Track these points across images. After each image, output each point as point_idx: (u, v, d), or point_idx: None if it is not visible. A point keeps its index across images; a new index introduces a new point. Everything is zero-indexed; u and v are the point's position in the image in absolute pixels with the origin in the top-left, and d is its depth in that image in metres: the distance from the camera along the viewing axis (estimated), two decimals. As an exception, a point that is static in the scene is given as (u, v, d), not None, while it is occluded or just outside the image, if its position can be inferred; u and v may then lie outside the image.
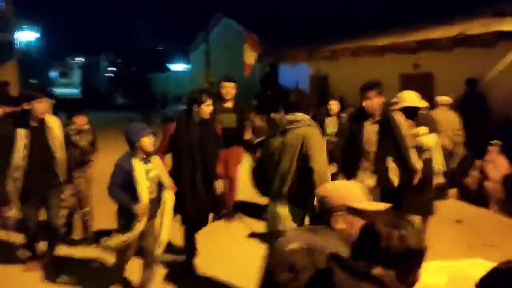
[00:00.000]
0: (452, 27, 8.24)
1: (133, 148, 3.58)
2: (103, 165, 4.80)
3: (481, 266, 2.43)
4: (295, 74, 14.55)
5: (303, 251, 1.67)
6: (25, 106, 4.10)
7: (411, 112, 4.43)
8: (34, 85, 15.57)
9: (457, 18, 8.92)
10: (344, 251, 1.64)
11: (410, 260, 1.41)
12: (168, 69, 32.58)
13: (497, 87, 7.94)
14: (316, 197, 1.93)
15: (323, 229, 1.82)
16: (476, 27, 7.52)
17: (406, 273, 1.41)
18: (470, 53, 7.96)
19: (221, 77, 6.11)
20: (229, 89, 5.81)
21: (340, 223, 1.82)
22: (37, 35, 19.55)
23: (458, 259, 2.57)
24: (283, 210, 3.21)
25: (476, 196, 6.87)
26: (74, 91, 39.91)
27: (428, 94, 8.34)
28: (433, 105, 7.16)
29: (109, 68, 31.03)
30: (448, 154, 7.26)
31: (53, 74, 54.72)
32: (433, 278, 2.18)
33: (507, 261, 1.26)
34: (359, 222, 1.77)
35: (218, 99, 5.54)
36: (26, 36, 18.99)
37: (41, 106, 4.14)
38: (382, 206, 1.91)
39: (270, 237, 3.20)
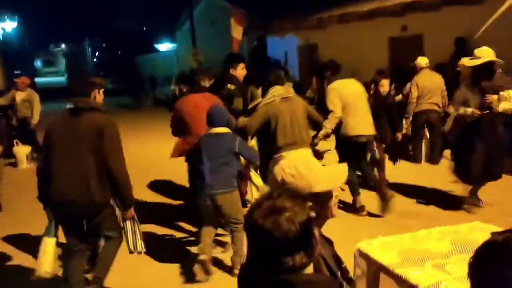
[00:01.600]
0: (439, -14, 8.14)
1: (229, 125, 3.99)
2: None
3: (481, 229, 2.48)
4: (284, 45, 14.41)
5: None
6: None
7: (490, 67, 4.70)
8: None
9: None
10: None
11: (307, 229, 1.33)
12: (155, 50, 32.12)
13: (486, 44, 7.89)
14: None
15: None
16: (463, -15, 7.44)
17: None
18: (459, 11, 7.89)
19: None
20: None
21: (313, 211, 1.69)
22: (15, 24, 19.02)
23: (458, 222, 2.63)
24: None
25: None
26: (60, 79, 39.46)
27: (418, 56, 8.32)
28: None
29: (95, 54, 30.57)
30: (443, 115, 7.31)
31: (38, 63, 53.87)
32: (436, 244, 2.22)
33: (503, 232, 1.12)
34: (329, 202, 1.76)
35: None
36: (6, 26, 18.53)
37: None
38: (344, 172, 1.84)
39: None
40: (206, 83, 5.28)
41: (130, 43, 30.43)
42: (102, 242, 3.51)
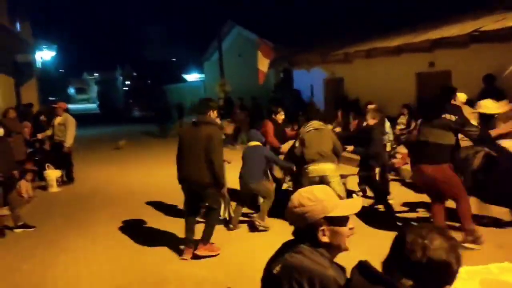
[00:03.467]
0: (466, 23, 8.17)
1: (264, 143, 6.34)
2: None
3: (511, 270, 2.41)
4: (310, 78, 14.56)
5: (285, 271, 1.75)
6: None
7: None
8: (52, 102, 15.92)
9: (470, 15, 8.83)
10: (330, 269, 1.69)
11: (432, 272, 1.34)
12: (183, 80, 32.89)
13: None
14: (293, 214, 1.84)
15: (307, 249, 1.77)
16: (491, 23, 7.43)
17: (427, 286, 1.35)
18: (487, 49, 7.87)
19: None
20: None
21: (326, 236, 1.78)
22: (54, 53, 19.89)
23: (488, 262, 2.55)
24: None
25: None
26: (92, 106, 40.62)
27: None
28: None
29: (125, 82, 31.50)
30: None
31: (71, 90, 55.74)
32: (464, 284, 2.17)
33: None
34: (343, 231, 1.79)
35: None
36: (44, 55, 19.39)
37: None
38: (358, 204, 1.87)
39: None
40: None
41: (160, 72, 31.31)
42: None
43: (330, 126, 8.18)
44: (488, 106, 5.49)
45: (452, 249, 1.37)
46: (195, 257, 4.95)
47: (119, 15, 57.87)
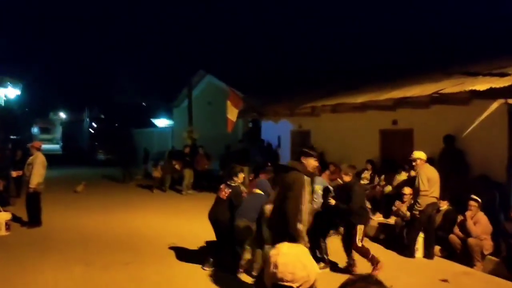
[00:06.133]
0: (427, 85, 8.51)
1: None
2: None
3: None
4: (278, 129, 14.71)
5: None
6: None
7: None
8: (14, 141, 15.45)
9: (431, 77, 9.24)
10: None
11: None
12: (151, 124, 32.64)
13: (474, 143, 8.10)
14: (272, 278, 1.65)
15: None
16: (450, 86, 7.77)
17: None
18: (447, 110, 8.17)
19: None
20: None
21: None
22: (19, 92, 19.46)
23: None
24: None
25: (461, 254, 6.79)
26: (55, 147, 39.55)
27: (408, 149, 8.47)
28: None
29: (92, 124, 30.97)
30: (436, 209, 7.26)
31: (35, 130, 54.29)
32: None
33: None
34: None
35: None
36: (9, 92, 18.93)
37: None
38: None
39: None
40: None
41: (128, 115, 30.95)
42: None
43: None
44: None
45: None
46: None
47: (90, 57, 57.98)
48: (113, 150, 24.20)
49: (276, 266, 1.62)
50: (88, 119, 32.86)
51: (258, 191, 6.38)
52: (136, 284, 5.73)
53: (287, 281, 1.60)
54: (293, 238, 4.51)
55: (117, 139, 25.33)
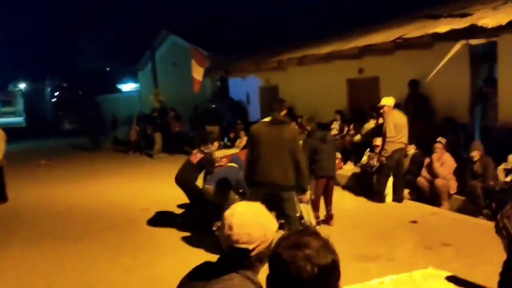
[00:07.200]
0: (391, 31, 8.45)
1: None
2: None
3: (434, 276, 2.40)
4: (246, 86, 14.53)
5: None
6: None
7: None
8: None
9: (395, 22, 9.17)
10: None
11: (326, 277, 1.20)
12: (117, 90, 31.75)
13: (438, 86, 8.20)
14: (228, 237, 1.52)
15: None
16: (413, 30, 7.73)
17: None
18: (411, 55, 8.18)
19: None
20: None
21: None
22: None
23: (416, 264, 2.54)
24: None
25: (429, 195, 7.00)
26: (18, 120, 38.22)
27: (375, 97, 8.52)
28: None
29: (54, 93, 29.90)
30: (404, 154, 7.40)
31: (-4, 103, 52.12)
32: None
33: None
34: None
35: None
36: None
37: None
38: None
39: None
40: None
41: (92, 82, 29.98)
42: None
43: None
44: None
45: (327, 246, 1.24)
46: None
47: (48, 23, 55.09)
48: (79, 118, 23.55)
49: (231, 228, 1.50)
50: (50, 89, 31.71)
51: (232, 164, 6.35)
52: (110, 250, 5.68)
53: (243, 243, 1.48)
54: (304, 189, 4.84)
55: (82, 107, 24.60)
